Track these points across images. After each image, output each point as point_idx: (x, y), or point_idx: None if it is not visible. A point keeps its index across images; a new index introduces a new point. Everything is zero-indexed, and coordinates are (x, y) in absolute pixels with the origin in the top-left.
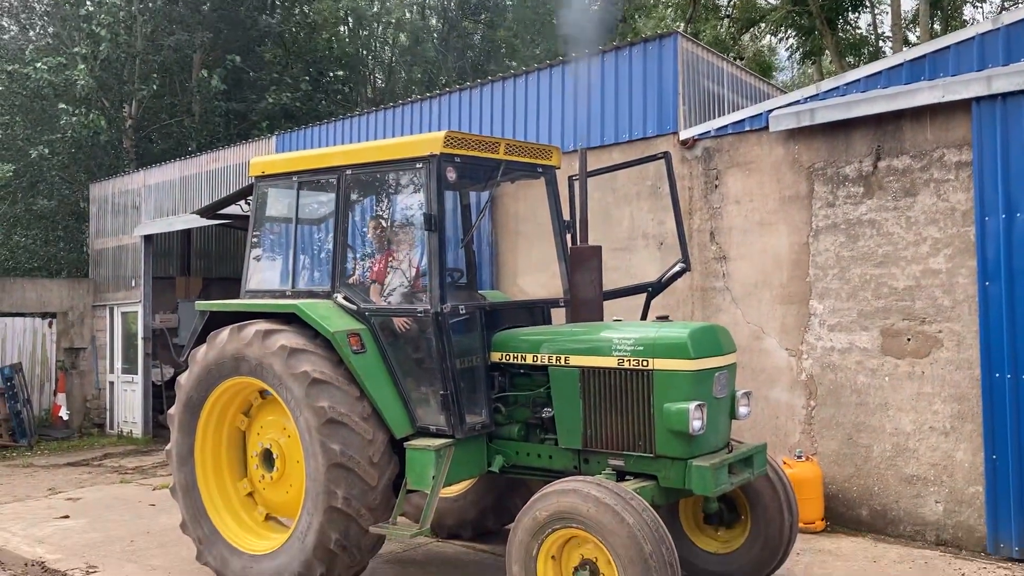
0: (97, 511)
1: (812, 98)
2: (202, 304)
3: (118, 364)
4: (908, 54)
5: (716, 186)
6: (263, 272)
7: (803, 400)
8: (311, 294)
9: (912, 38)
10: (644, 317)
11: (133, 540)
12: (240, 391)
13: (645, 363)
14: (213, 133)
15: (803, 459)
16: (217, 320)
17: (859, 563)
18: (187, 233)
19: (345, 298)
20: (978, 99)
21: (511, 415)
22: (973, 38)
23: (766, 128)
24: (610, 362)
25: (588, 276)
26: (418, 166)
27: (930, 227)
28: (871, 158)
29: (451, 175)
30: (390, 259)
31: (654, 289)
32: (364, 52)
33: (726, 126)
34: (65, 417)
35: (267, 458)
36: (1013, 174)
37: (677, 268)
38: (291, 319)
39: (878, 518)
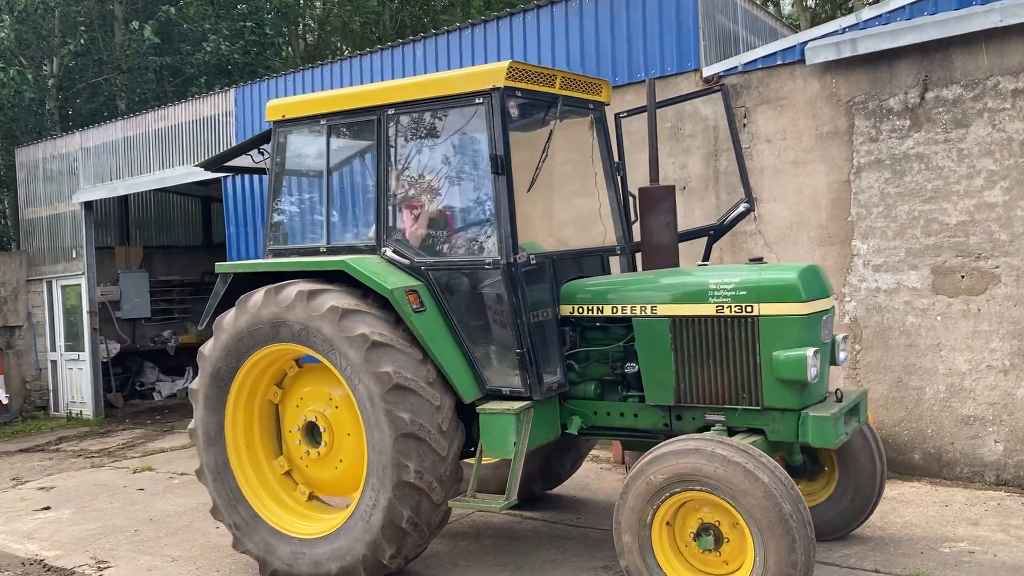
0: (80, 500)
1: (852, 28)
2: (225, 266)
3: (60, 341)
4: None
5: (744, 125)
6: (289, 228)
7: (847, 344)
8: (352, 249)
9: None
10: (707, 257)
11: (137, 530)
12: (275, 360)
13: (749, 309)
14: (145, 91)
15: None
16: (239, 284)
17: (932, 508)
18: (124, 200)
19: (395, 252)
20: None
21: (585, 372)
22: None
23: (800, 62)
24: (707, 310)
25: (663, 218)
26: (477, 101)
27: (984, 159)
28: (918, 89)
29: (514, 111)
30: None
31: (716, 232)
32: (300, 3)
33: (755, 60)
34: (5, 400)
35: (311, 432)
36: None
37: (741, 209)
38: (332, 278)
39: (932, 461)
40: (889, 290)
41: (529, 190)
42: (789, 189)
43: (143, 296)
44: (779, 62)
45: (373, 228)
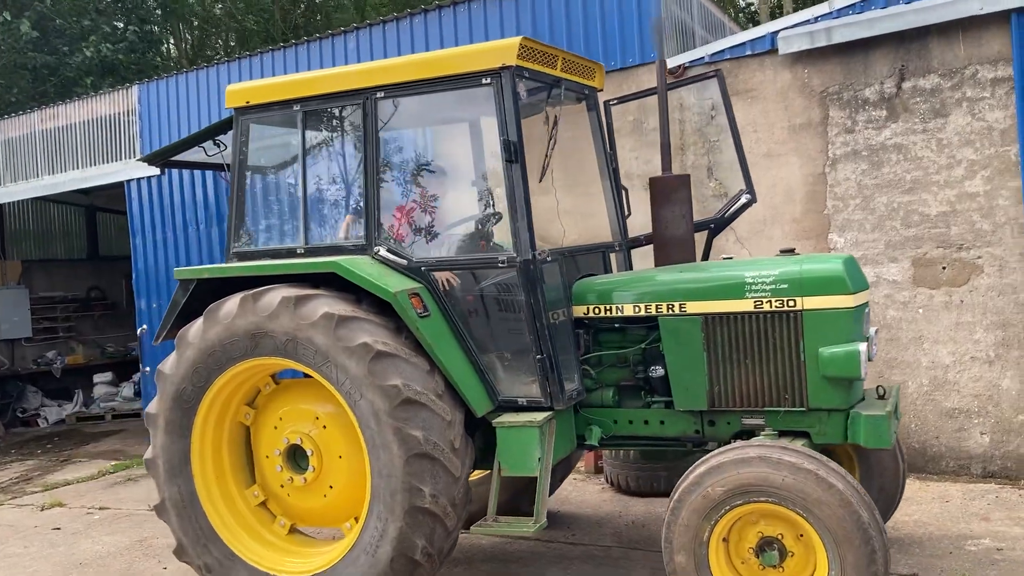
0: None
1: (824, 17)
2: (186, 271)
3: None
4: None
5: (712, 117)
6: (257, 228)
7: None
8: (337, 250)
9: None
10: (706, 257)
11: None
12: (250, 376)
13: (792, 303)
14: (22, 90)
15: None
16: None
17: (933, 505)
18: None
19: (390, 251)
20: (1018, 10)
21: (601, 378)
22: None
23: (769, 52)
24: (744, 305)
25: (678, 209)
26: (485, 82)
27: (965, 148)
28: (894, 79)
29: (523, 93)
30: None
31: (716, 226)
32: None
33: (723, 51)
34: None
35: (294, 456)
36: None
37: (743, 200)
38: (318, 282)
39: (917, 456)
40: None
41: (541, 180)
42: (762, 183)
43: (23, 314)
44: (748, 52)
45: (362, 225)
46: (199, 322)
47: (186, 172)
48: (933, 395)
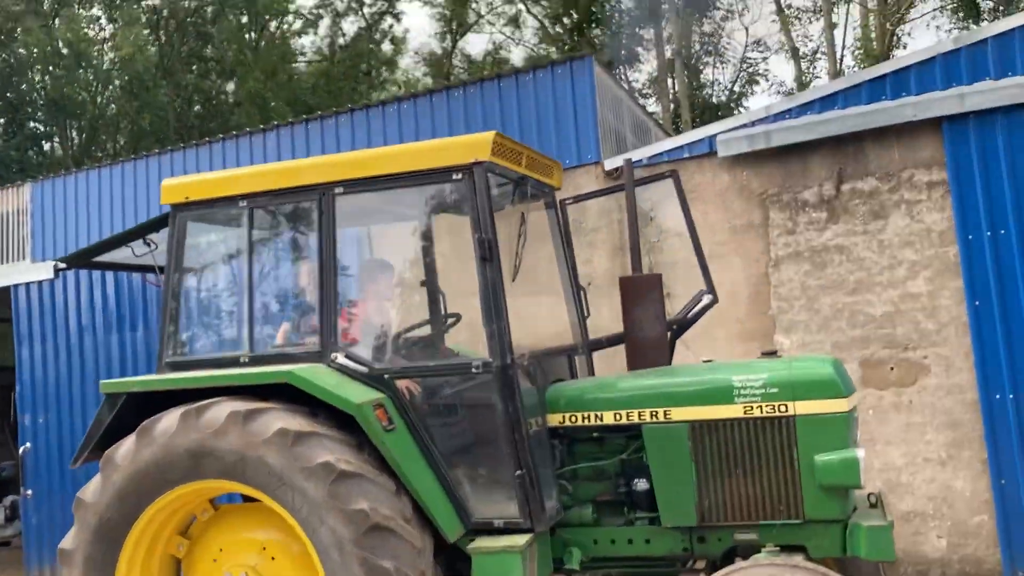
0: None
1: (761, 121)
2: (115, 384)
3: None
4: (867, 74)
5: (651, 219)
6: (193, 334)
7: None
8: (287, 358)
9: None
10: (670, 360)
11: None
12: (187, 503)
13: (783, 408)
14: None
15: None
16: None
17: None
18: None
19: (348, 357)
20: (949, 117)
21: (577, 493)
22: (934, 58)
23: (708, 155)
24: (733, 411)
25: (651, 310)
26: (455, 177)
27: (905, 249)
28: (832, 181)
29: (494, 190)
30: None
31: (680, 327)
32: (83, 96)
33: (661, 154)
34: None
35: None
36: (994, 191)
37: (705, 301)
38: (265, 394)
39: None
40: None
41: (514, 279)
42: (704, 284)
43: None
44: (686, 155)
45: (313, 330)
46: (130, 441)
47: (83, 274)
48: (887, 499)
